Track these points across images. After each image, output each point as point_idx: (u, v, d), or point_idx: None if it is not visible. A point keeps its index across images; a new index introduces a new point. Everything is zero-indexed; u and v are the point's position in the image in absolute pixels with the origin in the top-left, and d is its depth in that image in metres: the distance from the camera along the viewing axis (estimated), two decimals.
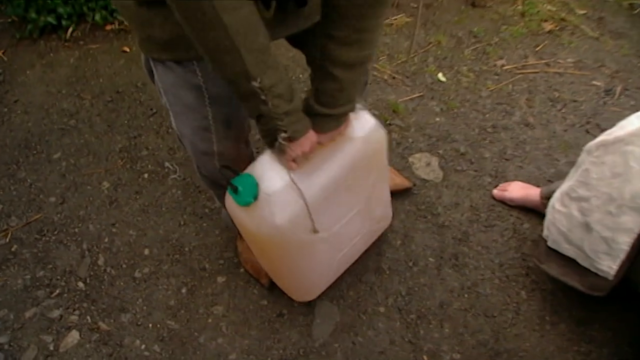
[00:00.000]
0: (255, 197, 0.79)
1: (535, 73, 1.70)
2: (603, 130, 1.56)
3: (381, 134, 0.92)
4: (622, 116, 1.58)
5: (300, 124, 0.71)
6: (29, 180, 1.49)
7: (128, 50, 1.83)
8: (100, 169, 1.49)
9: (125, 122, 1.60)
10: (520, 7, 1.98)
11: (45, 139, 1.60)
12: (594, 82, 1.68)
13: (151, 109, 1.62)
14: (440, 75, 1.67)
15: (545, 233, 1.02)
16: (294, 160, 0.77)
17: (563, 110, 1.57)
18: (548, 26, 1.91)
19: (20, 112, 1.70)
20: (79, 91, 1.73)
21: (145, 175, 1.45)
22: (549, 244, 1.01)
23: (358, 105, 0.84)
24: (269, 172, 0.80)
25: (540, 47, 1.81)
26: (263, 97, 0.63)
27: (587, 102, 1.60)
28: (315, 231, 0.87)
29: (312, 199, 0.82)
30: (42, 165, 1.53)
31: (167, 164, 1.46)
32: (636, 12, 2.00)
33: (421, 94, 1.62)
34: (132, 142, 1.54)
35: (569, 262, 0.99)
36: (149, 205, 1.38)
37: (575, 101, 1.61)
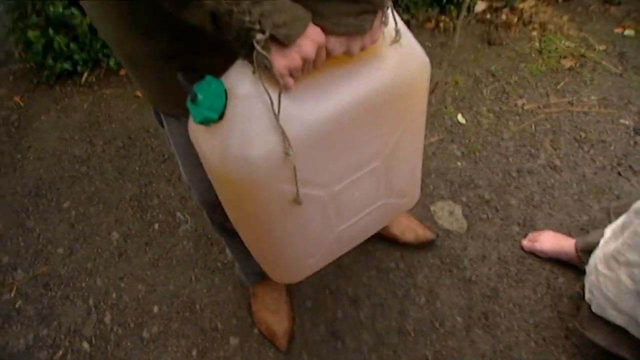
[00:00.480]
0: (220, 113, 0.54)
1: (558, 112, 1.64)
2: (636, 172, 1.49)
3: (424, 63, 0.67)
4: None
5: (287, 13, 0.47)
6: (37, 230, 1.46)
7: (141, 95, 1.83)
8: (110, 218, 1.45)
9: (137, 168, 1.57)
10: (537, 44, 1.95)
11: (56, 186, 1.57)
12: (622, 121, 1.61)
13: (163, 155, 1.59)
14: (459, 117, 1.61)
15: (587, 296, 0.93)
16: (291, 75, 0.52)
17: (591, 152, 1.50)
18: (568, 63, 1.86)
19: (32, 158, 1.69)
20: (92, 137, 1.71)
21: (156, 226, 1.40)
22: (593, 309, 0.92)
23: (394, 18, 0.58)
24: (245, 80, 0.53)
25: (561, 84, 1.75)
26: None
27: (616, 142, 1.53)
28: (297, 201, 0.63)
29: (306, 137, 0.57)
30: (51, 214, 1.49)
31: (178, 213, 1.41)
32: None
33: (441, 137, 1.56)
34: (142, 190, 1.50)
35: (617, 330, 0.90)
36: (159, 258, 1.32)
37: (603, 141, 1.53)
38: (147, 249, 1.35)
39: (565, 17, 2.12)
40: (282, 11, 0.46)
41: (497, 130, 1.57)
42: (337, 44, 0.52)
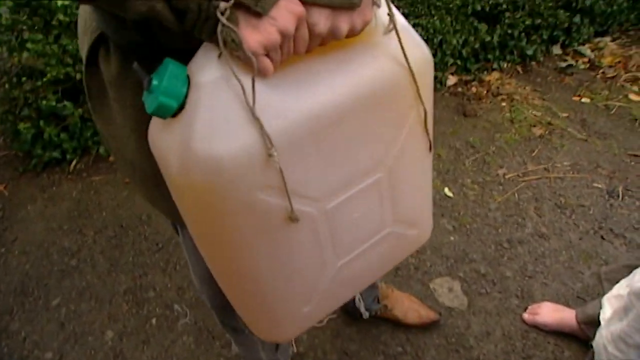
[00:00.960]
0: (180, 102, 0.44)
1: (537, 179, 1.74)
2: (617, 235, 1.57)
3: (425, 55, 0.57)
4: (631, 219, 1.61)
5: None
6: (23, 333, 1.38)
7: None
8: (103, 314, 1.39)
9: (130, 259, 1.54)
10: (508, 114, 2.10)
11: (44, 282, 1.51)
12: (595, 185, 1.71)
13: (157, 244, 1.57)
14: (446, 190, 1.69)
15: None
16: (268, 56, 0.43)
17: (573, 217, 1.58)
18: (538, 131, 2.00)
19: (18, 252, 1.63)
20: (81, 226, 1.69)
21: (153, 321, 1.35)
22: None
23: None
24: (211, 64, 0.45)
25: (535, 152, 1.87)
26: None
27: (594, 205, 1.62)
28: (293, 218, 0.51)
29: (289, 135, 0.47)
30: (38, 313, 1.42)
31: (176, 306, 1.38)
32: (613, 112, 2.14)
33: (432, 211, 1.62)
34: (137, 283, 1.46)
35: None
36: (158, 357, 1.27)
37: (582, 206, 1.62)
38: (145, 347, 1.29)
39: (528, 88, 2.31)
40: None
41: (483, 201, 1.64)
42: (321, 18, 0.44)
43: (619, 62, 2.52)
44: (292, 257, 0.57)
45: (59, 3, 1.53)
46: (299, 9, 0.43)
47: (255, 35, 0.41)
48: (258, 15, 0.41)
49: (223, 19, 0.39)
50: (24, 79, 1.71)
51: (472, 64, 2.30)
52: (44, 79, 1.66)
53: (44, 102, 1.73)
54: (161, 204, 0.65)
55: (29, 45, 1.60)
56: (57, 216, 1.74)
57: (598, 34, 2.72)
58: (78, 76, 1.70)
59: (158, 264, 1.51)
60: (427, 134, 0.57)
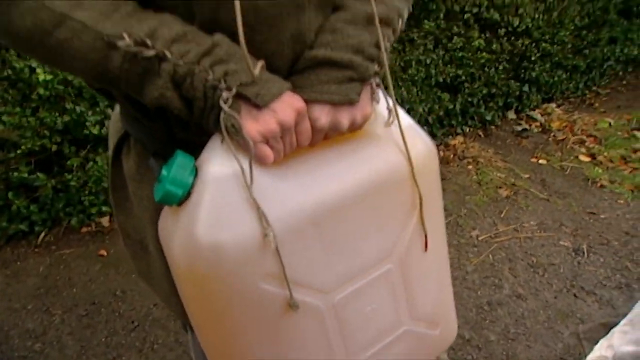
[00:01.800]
0: (186, 190, 0.46)
1: (508, 240, 1.82)
2: (588, 292, 1.64)
3: (428, 145, 0.59)
4: (598, 275, 1.70)
5: (258, 75, 0.44)
6: None
7: (105, 254, 1.76)
8: None
9: (103, 340, 1.44)
10: (475, 176, 2.23)
11: None
12: (562, 243, 1.81)
13: (132, 322, 1.49)
14: None
15: None
16: (268, 144, 0.46)
17: (545, 276, 1.65)
18: (504, 192, 2.13)
19: None
20: (48, 305, 1.58)
21: None
22: None
23: (386, 97, 0.53)
24: (217, 154, 0.47)
25: (504, 213, 1.98)
26: (151, 53, 0.41)
27: (563, 264, 1.70)
28: (293, 305, 0.50)
29: (292, 223, 0.48)
30: None
31: None
32: (568, 172, 2.32)
33: None
34: None
35: None
36: None
37: (552, 264, 1.70)
38: None
39: (491, 151, 2.48)
40: (251, 71, 0.43)
41: (460, 264, 1.69)
42: (322, 114, 0.47)
43: (566, 126, 2.78)
44: (298, 352, 0.54)
45: (40, 78, 1.54)
46: (299, 104, 0.46)
47: (254, 124, 0.44)
48: (258, 106, 0.44)
49: (225, 107, 0.42)
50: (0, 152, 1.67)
51: (438, 129, 2.46)
52: (18, 151, 1.63)
53: (15, 173, 1.67)
54: (174, 302, 0.64)
55: (4, 118, 1.58)
56: (21, 294, 1.63)
57: (545, 100, 3.01)
58: (54, 147, 1.68)
59: (134, 344, 1.42)
60: (423, 226, 0.59)
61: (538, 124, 2.83)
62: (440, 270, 0.67)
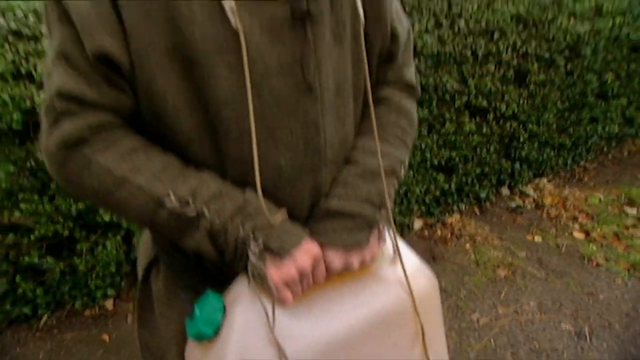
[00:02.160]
0: (216, 328, 0.53)
1: (509, 323, 1.83)
2: None
3: (431, 281, 0.66)
4: None
5: (281, 227, 0.52)
6: None
7: (107, 339, 1.76)
8: None
9: None
10: (472, 255, 2.28)
11: None
12: (562, 325, 1.82)
13: None
14: None
15: None
16: (288, 287, 0.53)
17: None
18: (502, 272, 2.16)
19: None
20: None
21: None
22: None
23: (393, 237, 0.61)
24: (244, 294, 0.54)
25: (503, 294, 2.00)
26: (192, 213, 0.50)
27: (567, 349, 1.70)
28: None
29: (309, 357, 0.54)
30: None
31: None
32: (563, 250, 2.37)
33: None
34: None
35: None
36: None
37: (555, 350, 1.70)
38: None
39: (487, 228, 2.56)
40: (275, 225, 0.51)
41: (462, 349, 1.69)
42: (335, 257, 0.55)
43: (558, 202, 2.89)
44: None
45: None
46: (316, 250, 0.54)
47: (277, 271, 0.52)
48: (281, 255, 0.51)
49: (253, 258, 0.50)
50: (10, 235, 1.72)
51: (435, 208, 2.55)
52: (32, 236, 1.68)
53: (26, 258, 1.72)
54: None
55: (22, 205, 1.66)
56: None
57: (537, 176, 3.14)
58: (66, 233, 1.74)
59: None
60: (427, 356, 0.64)
61: (531, 199, 2.94)
62: None
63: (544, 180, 3.16)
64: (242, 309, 0.53)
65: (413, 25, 2.27)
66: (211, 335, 0.53)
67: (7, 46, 1.63)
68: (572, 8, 2.95)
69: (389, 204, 0.60)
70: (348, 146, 0.61)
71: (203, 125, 0.51)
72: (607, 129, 3.43)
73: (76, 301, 1.86)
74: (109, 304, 1.89)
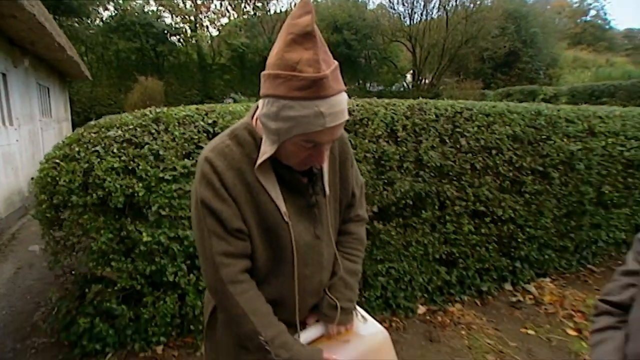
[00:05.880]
0: None
1: None
2: None
3: (383, 333, 1.15)
4: None
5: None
6: None
7: None
8: None
9: None
10: (466, 341, 2.59)
11: None
12: None
13: None
14: None
15: None
16: None
17: None
18: (491, 358, 2.45)
19: None
20: None
21: None
22: None
23: (360, 312, 1.15)
24: None
25: None
26: (268, 347, 0.91)
27: None
28: None
29: None
30: None
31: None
32: (554, 344, 2.62)
33: None
34: None
35: None
36: None
37: None
38: None
39: (484, 318, 2.86)
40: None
41: None
42: (334, 330, 1.11)
43: (557, 300, 3.14)
44: None
45: (144, 239, 2.24)
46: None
47: None
48: None
49: None
50: (100, 285, 2.30)
51: (438, 296, 2.91)
52: (115, 288, 2.25)
53: (107, 304, 2.27)
54: None
55: (113, 263, 2.25)
56: None
57: (540, 275, 3.42)
58: (138, 287, 2.29)
59: None
60: None
61: (531, 296, 3.21)
62: None
63: (547, 280, 3.42)
64: None
65: (420, 142, 2.85)
66: None
67: (121, 150, 2.33)
68: (565, 129, 3.45)
69: (356, 298, 1.15)
70: (332, 257, 1.13)
71: (272, 258, 1.03)
72: (612, 235, 3.69)
73: (135, 344, 2.35)
74: (159, 349, 2.36)
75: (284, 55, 0.84)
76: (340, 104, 0.86)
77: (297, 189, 1.01)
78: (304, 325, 1.11)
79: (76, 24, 17.84)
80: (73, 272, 2.65)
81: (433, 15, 21.81)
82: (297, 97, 0.83)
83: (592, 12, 40.28)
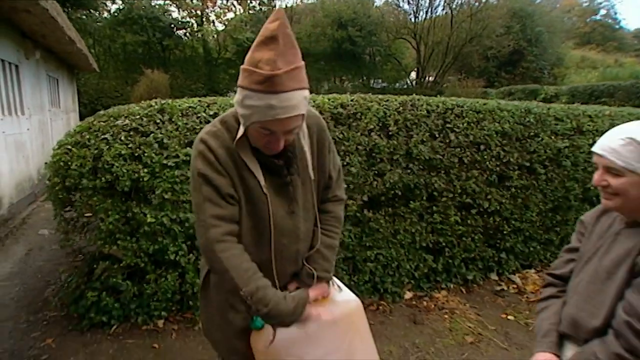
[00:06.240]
0: (263, 325, 1.18)
1: None
2: None
3: (356, 301, 1.30)
4: None
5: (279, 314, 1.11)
6: None
7: (157, 346, 2.39)
8: None
9: None
10: (448, 324, 2.75)
11: None
12: None
13: None
14: None
15: None
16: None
17: None
18: (469, 339, 2.62)
19: None
20: None
21: None
22: None
23: (337, 282, 1.31)
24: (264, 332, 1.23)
25: (465, 355, 2.45)
26: (248, 301, 1.06)
27: None
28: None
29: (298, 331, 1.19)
30: None
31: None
32: (531, 328, 2.78)
33: None
34: None
35: None
36: None
37: None
38: None
39: (468, 304, 3.02)
40: (279, 313, 1.12)
41: None
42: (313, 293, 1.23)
43: (539, 289, 3.29)
44: None
45: (148, 220, 2.42)
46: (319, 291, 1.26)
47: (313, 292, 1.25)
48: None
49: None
50: (107, 262, 2.48)
51: (425, 283, 3.07)
52: (121, 264, 2.43)
53: (113, 279, 2.45)
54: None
55: (119, 242, 2.44)
56: None
57: (525, 267, 3.58)
58: (142, 265, 2.47)
59: None
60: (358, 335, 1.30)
61: (515, 286, 3.37)
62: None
63: (532, 271, 3.57)
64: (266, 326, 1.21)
65: (411, 137, 3.01)
66: (261, 326, 1.18)
67: (128, 138, 2.51)
68: (554, 127, 3.58)
69: (332, 269, 1.30)
70: (311, 232, 1.28)
71: (253, 227, 1.21)
72: None
73: (139, 317, 2.53)
74: (160, 322, 2.55)
75: (252, 53, 1.00)
76: (292, 99, 0.99)
77: (273, 170, 1.18)
78: (285, 290, 1.27)
79: (84, 17, 18.02)
80: (82, 251, 2.84)
81: (438, 13, 21.85)
82: (255, 90, 0.99)
83: (602, 12, 39.89)
